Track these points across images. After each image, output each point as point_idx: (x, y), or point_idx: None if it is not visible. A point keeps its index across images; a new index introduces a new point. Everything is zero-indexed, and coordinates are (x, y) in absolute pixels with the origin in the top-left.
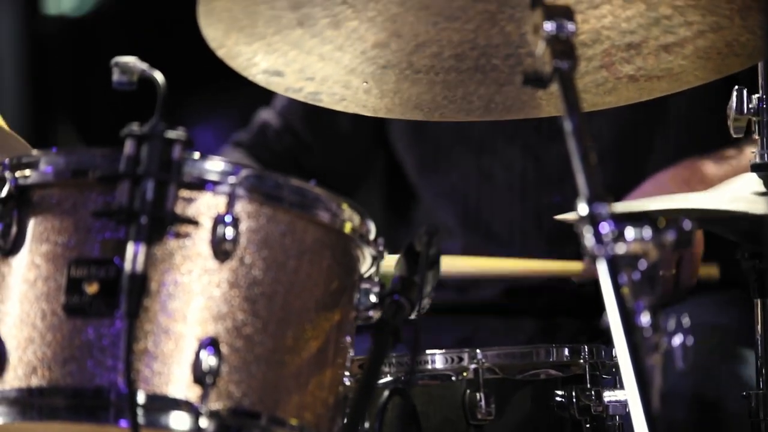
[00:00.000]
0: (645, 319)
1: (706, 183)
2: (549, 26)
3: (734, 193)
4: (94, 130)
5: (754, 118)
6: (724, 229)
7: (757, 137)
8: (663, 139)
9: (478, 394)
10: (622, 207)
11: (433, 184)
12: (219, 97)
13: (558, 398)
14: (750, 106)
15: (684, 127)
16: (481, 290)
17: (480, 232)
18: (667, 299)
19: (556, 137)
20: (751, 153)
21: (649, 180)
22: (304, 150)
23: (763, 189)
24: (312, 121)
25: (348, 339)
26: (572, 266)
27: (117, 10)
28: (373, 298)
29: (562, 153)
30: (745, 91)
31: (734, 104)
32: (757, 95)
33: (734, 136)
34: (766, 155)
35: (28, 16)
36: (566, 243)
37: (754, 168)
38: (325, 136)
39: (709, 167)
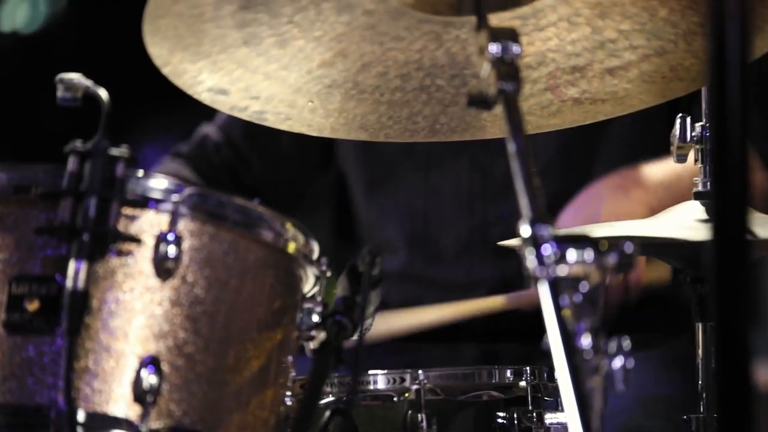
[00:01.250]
0: (586, 341)
1: (644, 186)
2: (494, 48)
3: (676, 220)
4: (41, 147)
5: (696, 146)
6: (666, 255)
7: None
8: (607, 149)
9: (419, 415)
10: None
11: (381, 202)
12: (165, 115)
13: (500, 420)
14: (693, 134)
15: (628, 141)
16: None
17: (427, 248)
18: (615, 307)
19: (504, 152)
20: (693, 156)
21: (584, 192)
22: (242, 164)
23: (704, 216)
24: (253, 136)
25: (290, 359)
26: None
27: (68, 28)
28: (315, 318)
29: (509, 168)
30: (688, 119)
31: (677, 132)
32: (700, 123)
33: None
34: (708, 183)
35: None
36: (512, 257)
37: (697, 196)
38: (266, 152)
39: (647, 170)
